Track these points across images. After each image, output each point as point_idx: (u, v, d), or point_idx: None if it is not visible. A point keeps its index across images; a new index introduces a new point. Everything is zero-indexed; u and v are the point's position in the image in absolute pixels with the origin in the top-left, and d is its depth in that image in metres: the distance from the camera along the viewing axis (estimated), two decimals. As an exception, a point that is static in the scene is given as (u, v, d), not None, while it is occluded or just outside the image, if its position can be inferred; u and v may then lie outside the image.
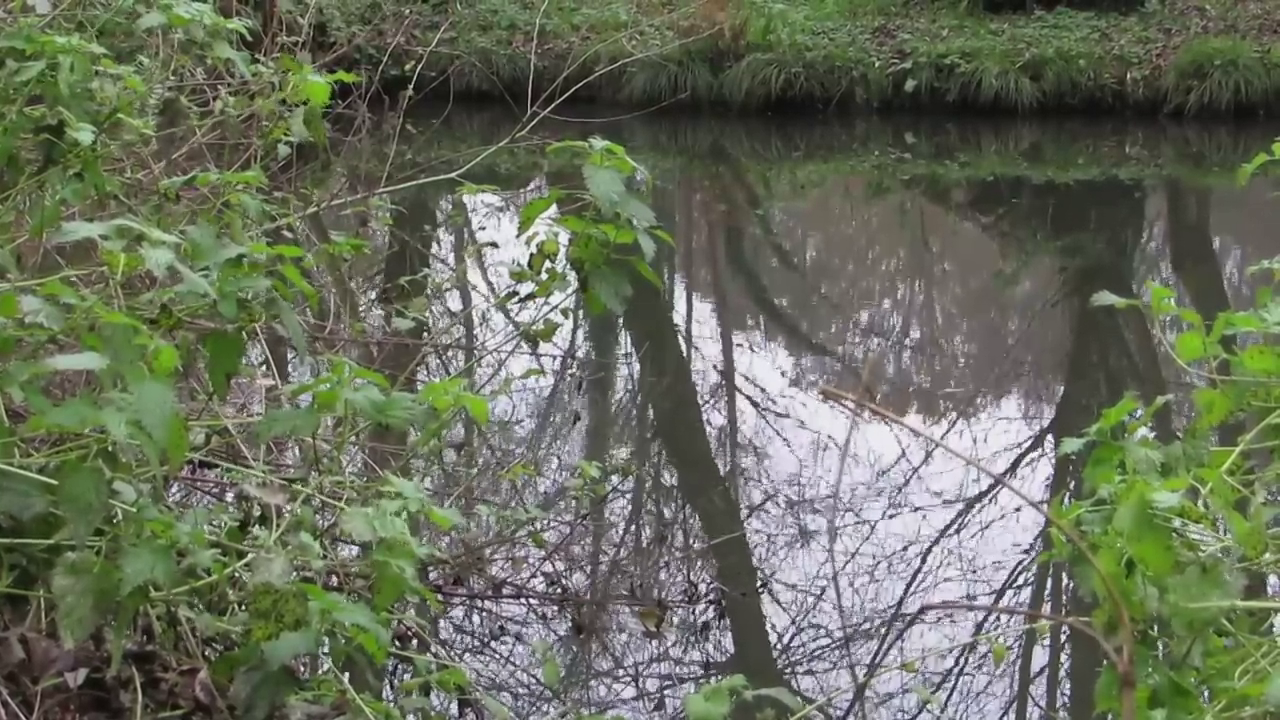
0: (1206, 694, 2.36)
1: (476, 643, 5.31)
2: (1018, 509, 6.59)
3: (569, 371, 8.78)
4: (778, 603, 5.82)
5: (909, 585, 6.00)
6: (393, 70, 8.42)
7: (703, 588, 5.84)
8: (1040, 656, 5.53)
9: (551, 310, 4.28)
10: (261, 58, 4.78)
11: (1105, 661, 2.33)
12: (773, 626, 5.69)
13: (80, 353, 2.61)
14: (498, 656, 5.23)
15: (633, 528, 6.72)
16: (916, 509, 6.69)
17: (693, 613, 5.64)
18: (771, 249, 13.28)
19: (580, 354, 9.35)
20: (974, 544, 6.35)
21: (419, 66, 7.37)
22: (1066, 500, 2.58)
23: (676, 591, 5.82)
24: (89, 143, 3.25)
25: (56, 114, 3.27)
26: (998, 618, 5.76)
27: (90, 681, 2.95)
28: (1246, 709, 2.19)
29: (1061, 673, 5.53)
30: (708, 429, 8.21)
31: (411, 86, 7.07)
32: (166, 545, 2.68)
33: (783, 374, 9.19)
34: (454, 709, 4.49)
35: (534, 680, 5.09)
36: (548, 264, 4.09)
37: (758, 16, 17.68)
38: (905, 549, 6.25)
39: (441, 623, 5.32)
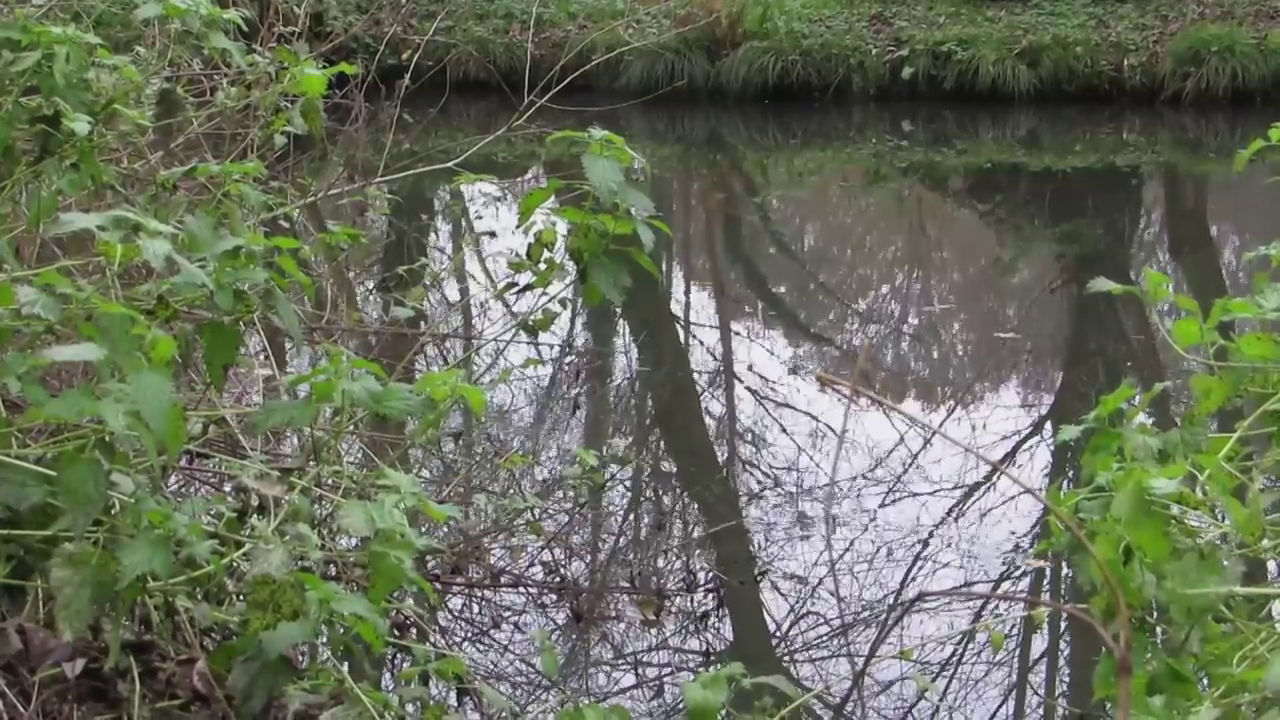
0: (1205, 680, 2.37)
1: (475, 632, 5.31)
2: (1015, 496, 6.59)
3: (567, 361, 8.78)
4: (776, 591, 5.82)
5: (907, 573, 6.00)
6: (390, 59, 8.40)
7: (701, 576, 5.85)
8: (1039, 644, 5.54)
9: (550, 300, 4.28)
10: (258, 48, 4.77)
11: (1104, 648, 2.33)
12: (771, 615, 5.69)
13: (77, 343, 2.61)
14: (496, 645, 5.24)
15: (631, 516, 6.72)
16: (915, 496, 6.69)
17: (691, 601, 5.64)
18: (769, 237, 13.28)
19: (579, 343, 9.34)
20: (972, 531, 6.35)
21: (416, 56, 7.36)
22: (1065, 487, 2.58)
23: (675, 580, 5.83)
24: (85, 133, 3.24)
25: (52, 105, 3.27)
26: (996, 605, 5.77)
27: (88, 671, 2.95)
28: (1245, 695, 2.19)
29: (1060, 660, 5.53)
30: (706, 417, 8.21)
31: (408, 76, 7.07)
32: (164, 536, 2.68)
33: (781, 362, 9.19)
34: (452, 698, 4.49)
35: (532, 669, 5.10)
36: (546, 254, 4.09)
37: (754, 5, 17.66)
38: (903, 537, 6.25)
39: (440, 612, 5.32)
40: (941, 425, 7.90)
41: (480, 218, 12.45)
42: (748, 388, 8.51)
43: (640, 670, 5.26)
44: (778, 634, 5.59)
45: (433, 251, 11.50)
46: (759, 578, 5.90)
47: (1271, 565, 4.71)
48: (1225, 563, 2.30)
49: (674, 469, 7.58)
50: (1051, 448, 7.52)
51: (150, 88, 4.21)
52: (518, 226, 4.00)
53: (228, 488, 4.00)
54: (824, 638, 5.55)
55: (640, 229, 3.63)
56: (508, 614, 5.39)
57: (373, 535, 2.83)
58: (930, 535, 6.30)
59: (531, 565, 5.69)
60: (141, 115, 3.84)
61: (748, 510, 6.68)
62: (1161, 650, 2.33)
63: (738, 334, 9.88)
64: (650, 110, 16.24)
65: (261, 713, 2.85)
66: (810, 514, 6.53)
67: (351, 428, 3.99)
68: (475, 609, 5.43)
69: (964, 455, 7.05)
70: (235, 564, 2.99)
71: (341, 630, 2.84)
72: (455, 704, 4.50)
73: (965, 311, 11.18)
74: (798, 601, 5.76)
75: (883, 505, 6.61)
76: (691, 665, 5.26)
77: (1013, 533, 6.36)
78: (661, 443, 7.95)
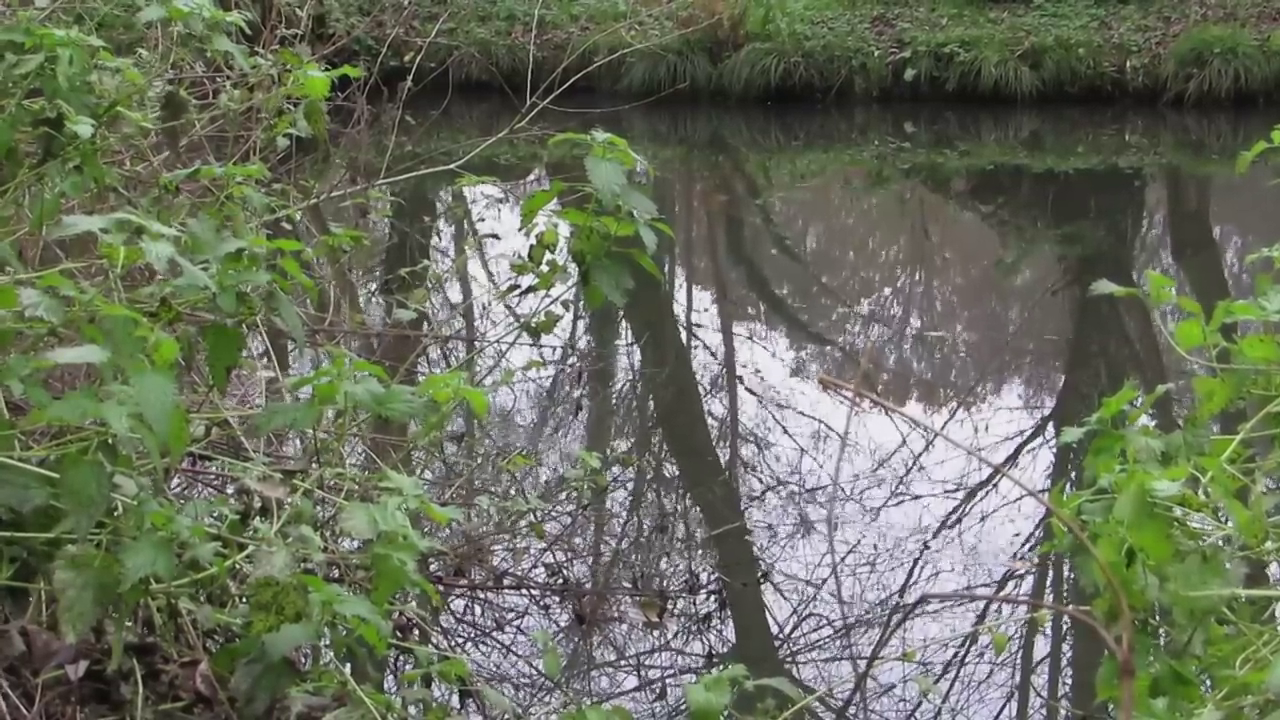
0: (1208, 682, 2.37)
1: (478, 633, 5.31)
2: (1018, 499, 6.59)
3: (570, 363, 8.78)
4: (779, 593, 5.82)
5: (910, 575, 6.00)
6: (392, 61, 8.40)
7: (704, 578, 5.85)
8: (1041, 646, 5.53)
9: (552, 302, 4.28)
10: (261, 50, 4.77)
11: (1106, 651, 2.33)
12: (773, 617, 5.69)
13: (81, 346, 2.61)
14: (499, 647, 5.24)
15: (633, 518, 6.72)
16: (917, 498, 6.69)
17: (694, 603, 5.64)
18: (771, 239, 13.28)
19: (581, 345, 9.34)
20: (975, 534, 6.35)
21: (418, 58, 7.36)
22: (1067, 489, 2.58)
23: (677, 582, 5.82)
24: (88, 136, 3.24)
25: (55, 107, 3.27)
26: (999, 607, 5.77)
27: (91, 674, 2.95)
28: (1247, 697, 2.19)
29: (1063, 662, 5.53)
30: (708, 419, 8.21)
31: (410, 78, 7.07)
32: (167, 538, 2.68)
33: (783, 364, 9.19)
34: (455, 700, 4.49)
35: (535, 671, 5.10)
36: (548, 256, 4.09)
37: (756, 6, 17.67)
38: (906, 539, 6.25)
39: (442, 614, 5.32)
40: (944, 427, 7.90)
41: (482, 220, 12.45)
42: (750, 390, 8.51)
43: (643, 672, 5.26)
44: (780, 636, 5.59)
45: (435, 253, 11.51)
46: (761, 579, 5.90)
47: (1274, 567, 4.71)
48: (1228, 565, 2.30)
49: (676, 471, 7.58)
50: (1054, 450, 7.52)
51: (153, 90, 4.21)
52: (520, 229, 4.01)
53: (230, 490, 4.00)
54: (826, 640, 5.55)
55: (642, 231, 3.64)
56: (510, 616, 5.39)
57: (375, 537, 2.83)
58: (933, 537, 6.30)
59: (534, 567, 5.69)
60: (144, 118, 3.84)
61: (750, 512, 6.68)
62: (1164, 652, 2.33)
63: (740, 336, 9.88)
64: (652, 112, 16.24)
65: (264, 715, 2.85)
66: (813, 516, 6.53)
67: (354, 430, 3.99)
68: (478, 611, 5.43)
69: (966, 457, 7.05)
70: (238, 566, 2.99)
71: (344, 632, 2.83)
72: (458, 706, 4.50)
73: (968, 314, 11.18)
74: (800, 603, 5.76)
75: (885, 507, 6.61)
76: (694, 667, 5.26)
77: (1015, 535, 6.36)
78: (664, 444, 7.95)
